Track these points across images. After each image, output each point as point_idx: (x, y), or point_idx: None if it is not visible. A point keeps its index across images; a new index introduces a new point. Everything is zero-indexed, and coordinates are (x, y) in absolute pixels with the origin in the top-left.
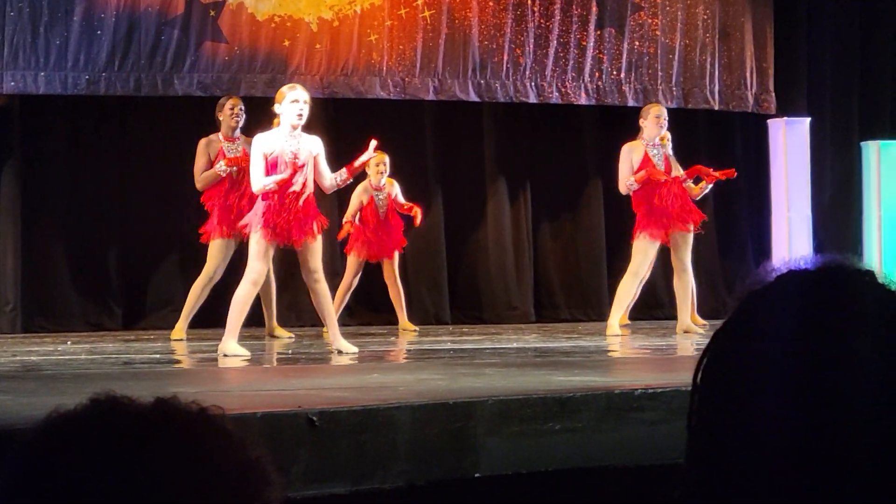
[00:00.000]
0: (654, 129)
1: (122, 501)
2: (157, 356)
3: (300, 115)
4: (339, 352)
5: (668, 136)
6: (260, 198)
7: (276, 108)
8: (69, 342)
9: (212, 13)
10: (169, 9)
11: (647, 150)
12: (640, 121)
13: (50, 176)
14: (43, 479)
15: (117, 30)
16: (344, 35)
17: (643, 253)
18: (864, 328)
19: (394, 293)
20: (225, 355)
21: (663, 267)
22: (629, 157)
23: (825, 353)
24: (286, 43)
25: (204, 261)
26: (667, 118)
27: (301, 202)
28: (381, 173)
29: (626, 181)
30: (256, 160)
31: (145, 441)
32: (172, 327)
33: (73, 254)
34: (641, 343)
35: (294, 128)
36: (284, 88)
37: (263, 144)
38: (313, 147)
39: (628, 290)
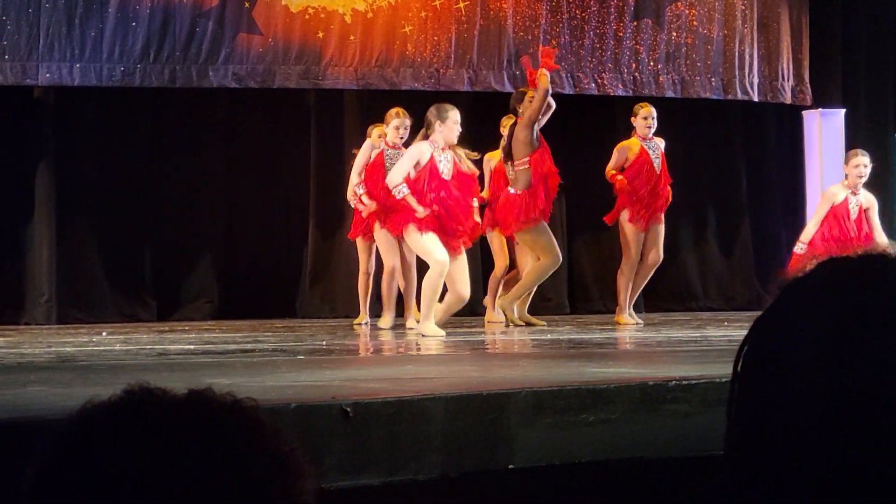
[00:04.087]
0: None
1: (154, 492)
2: (192, 347)
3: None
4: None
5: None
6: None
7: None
8: (104, 333)
9: (246, 5)
10: (204, 0)
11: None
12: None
13: (84, 168)
14: (76, 468)
15: (152, 21)
16: (378, 26)
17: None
18: None
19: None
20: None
21: (696, 257)
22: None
23: (866, 341)
24: (320, 34)
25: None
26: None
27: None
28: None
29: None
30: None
31: (178, 432)
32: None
33: (107, 246)
34: (675, 334)
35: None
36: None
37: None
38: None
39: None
